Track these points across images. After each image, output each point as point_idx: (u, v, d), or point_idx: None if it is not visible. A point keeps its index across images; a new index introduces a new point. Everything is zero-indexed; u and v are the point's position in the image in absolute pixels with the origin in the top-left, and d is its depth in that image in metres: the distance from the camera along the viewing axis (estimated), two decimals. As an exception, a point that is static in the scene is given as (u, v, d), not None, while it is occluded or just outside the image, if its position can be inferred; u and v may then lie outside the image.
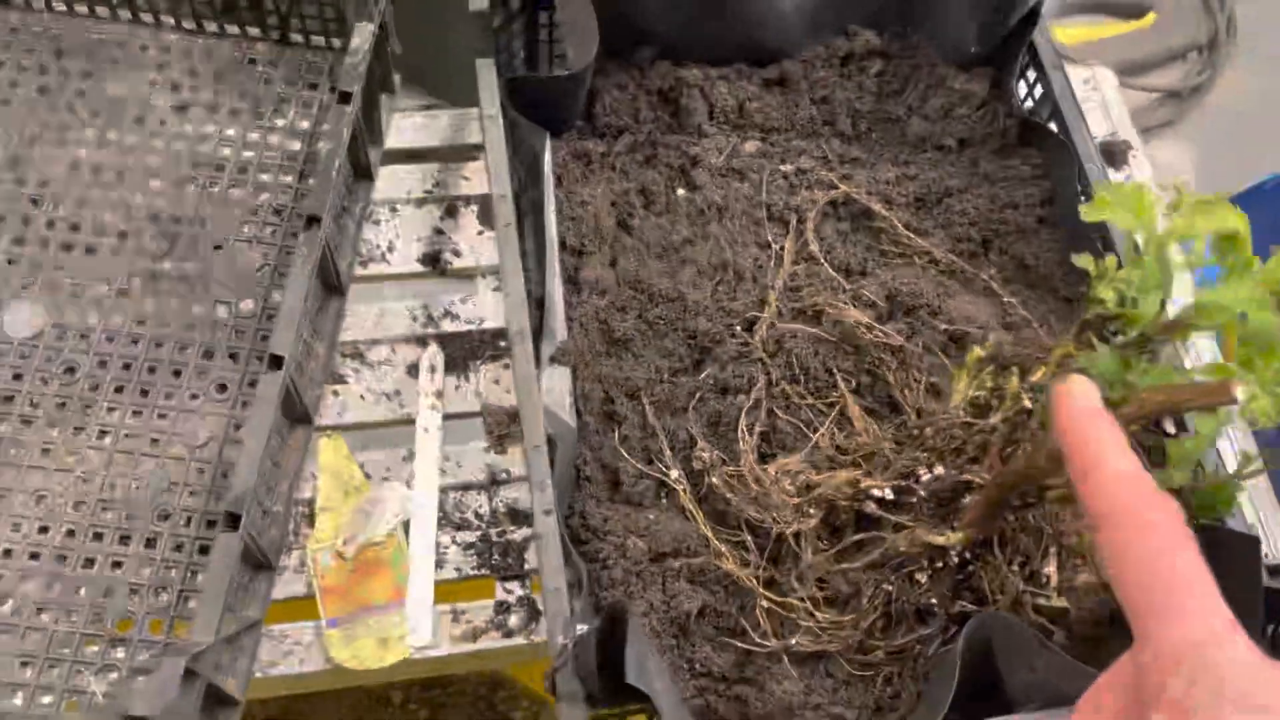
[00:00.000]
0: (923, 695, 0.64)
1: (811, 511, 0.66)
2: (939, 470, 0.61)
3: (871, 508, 0.63)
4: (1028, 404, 0.56)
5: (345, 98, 0.77)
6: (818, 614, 0.63)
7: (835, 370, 0.72)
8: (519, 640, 0.72)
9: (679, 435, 0.73)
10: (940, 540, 0.59)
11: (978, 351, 0.62)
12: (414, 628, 0.71)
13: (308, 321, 0.74)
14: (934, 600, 0.62)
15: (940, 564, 0.61)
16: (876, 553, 0.62)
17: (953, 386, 0.64)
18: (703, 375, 0.75)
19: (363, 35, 0.80)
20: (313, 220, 0.73)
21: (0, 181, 0.83)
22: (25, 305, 0.78)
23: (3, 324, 0.78)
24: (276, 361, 0.68)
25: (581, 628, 0.62)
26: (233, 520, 0.63)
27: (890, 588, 0.62)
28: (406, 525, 0.75)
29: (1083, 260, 0.57)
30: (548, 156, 0.79)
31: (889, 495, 0.63)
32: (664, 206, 0.84)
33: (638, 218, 0.83)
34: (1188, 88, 2.01)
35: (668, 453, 0.72)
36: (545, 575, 0.63)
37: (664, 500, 0.72)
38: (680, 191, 0.84)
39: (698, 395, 0.74)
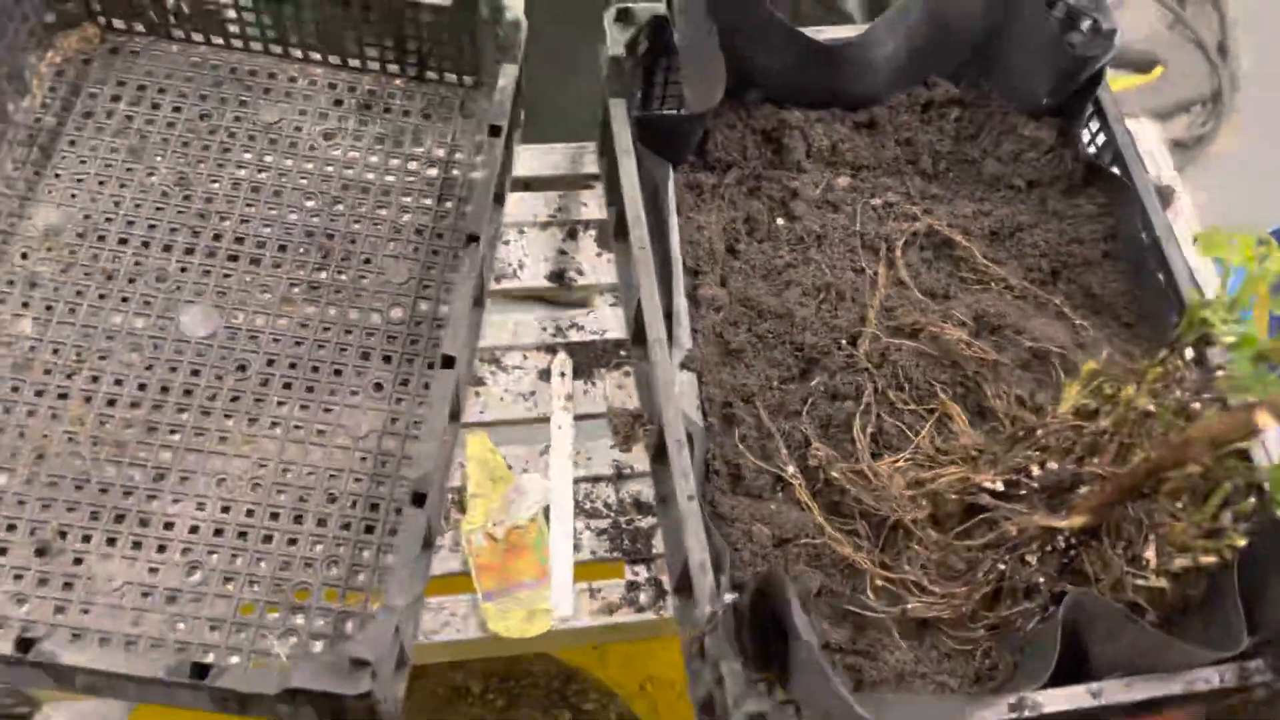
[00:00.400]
0: (1019, 666, 0.73)
1: (923, 503, 0.75)
2: (1052, 466, 0.71)
3: (985, 499, 0.72)
4: (1150, 408, 0.66)
5: (496, 131, 0.87)
6: (931, 587, 0.73)
7: (934, 381, 0.81)
8: (649, 615, 0.81)
9: (793, 436, 0.82)
10: (1061, 524, 0.68)
11: (1091, 364, 0.72)
12: (557, 603, 0.80)
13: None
14: (1040, 579, 0.71)
15: (1049, 547, 0.71)
16: (993, 534, 0.71)
17: (1064, 394, 0.73)
18: (813, 383, 0.84)
19: (508, 75, 0.90)
20: (472, 238, 0.82)
21: (170, 198, 0.92)
22: (199, 309, 0.87)
23: (181, 325, 0.86)
24: (449, 361, 0.77)
25: (729, 596, 0.71)
26: (419, 499, 0.72)
27: (1003, 566, 0.71)
28: (546, 512, 0.83)
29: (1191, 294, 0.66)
30: (671, 186, 0.89)
31: (999, 487, 0.72)
32: (766, 234, 0.94)
33: (743, 243, 0.93)
34: (1193, 137, 2.13)
35: (784, 451, 0.81)
36: (691, 553, 0.72)
37: (780, 493, 0.81)
38: (780, 221, 0.94)
39: (809, 400, 0.83)
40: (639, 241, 0.84)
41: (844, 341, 0.85)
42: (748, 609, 0.68)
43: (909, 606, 0.74)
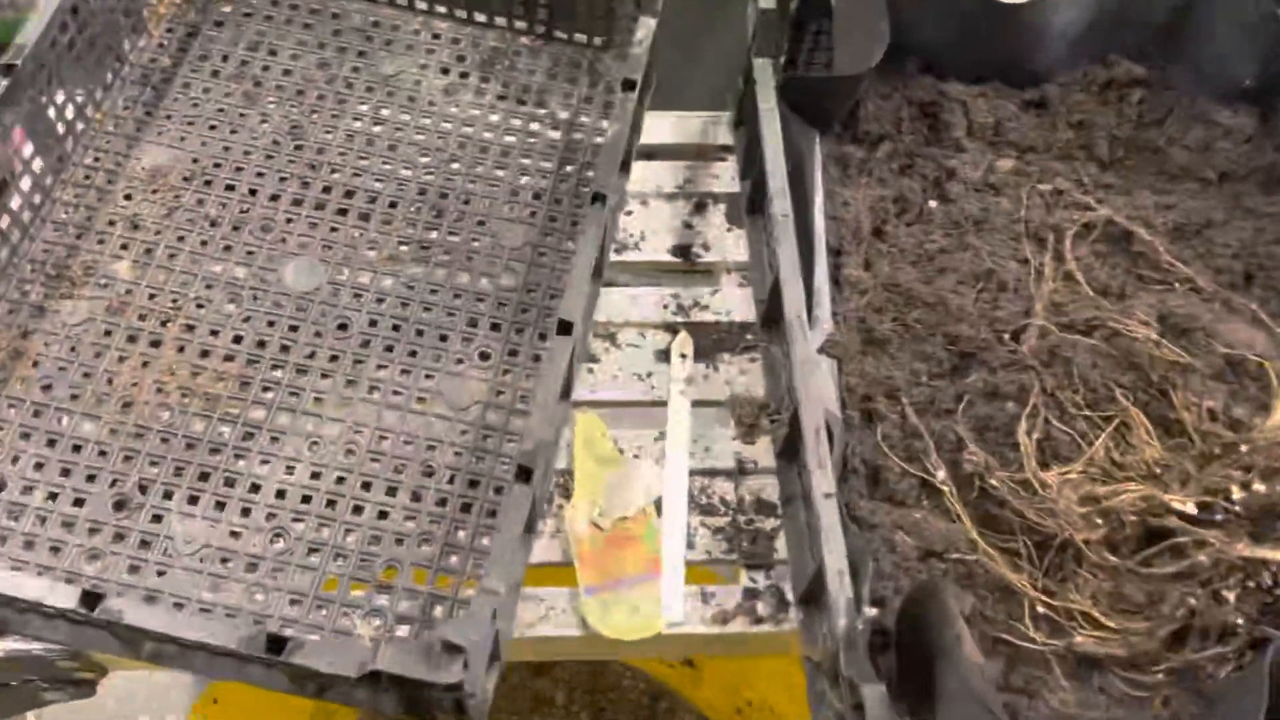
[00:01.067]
0: (1210, 720, 0.62)
1: (1098, 522, 0.65)
2: (1259, 488, 0.60)
3: (1174, 522, 0.62)
4: None
5: (630, 85, 0.80)
6: (1104, 619, 0.62)
7: (1114, 384, 0.71)
8: (767, 627, 0.72)
9: (945, 438, 0.73)
10: (1270, 555, 0.58)
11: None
12: (667, 605, 0.71)
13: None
14: (1239, 620, 0.60)
15: (1251, 583, 0.60)
16: (1182, 564, 0.60)
17: (1276, 406, 0.62)
18: (969, 379, 0.74)
19: (646, 29, 0.83)
20: (598, 198, 0.75)
21: (281, 147, 0.87)
22: (303, 262, 0.82)
23: (283, 278, 0.81)
24: (566, 327, 0.70)
25: (871, 611, 0.61)
26: (525, 474, 0.65)
27: (1194, 601, 0.60)
28: (658, 504, 0.75)
29: None
30: (817, 156, 0.80)
31: (1192, 510, 0.62)
32: (916, 216, 0.84)
33: (891, 224, 0.84)
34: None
35: (933, 454, 0.72)
36: (827, 557, 0.63)
37: (925, 501, 0.72)
38: (933, 203, 0.85)
39: (964, 399, 0.73)
40: (780, 209, 0.75)
41: (1006, 336, 0.75)
42: (895, 627, 0.59)
43: (1076, 640, 0.64)
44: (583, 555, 0.73)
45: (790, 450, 0.76)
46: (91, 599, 0.58)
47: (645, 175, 0.90)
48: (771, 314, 0.80)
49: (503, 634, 0.67)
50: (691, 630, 0.71)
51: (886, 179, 0.85)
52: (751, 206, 0.87)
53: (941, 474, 0.71)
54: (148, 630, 0.58)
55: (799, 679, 1.08)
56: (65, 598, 0.58)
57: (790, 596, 0.73)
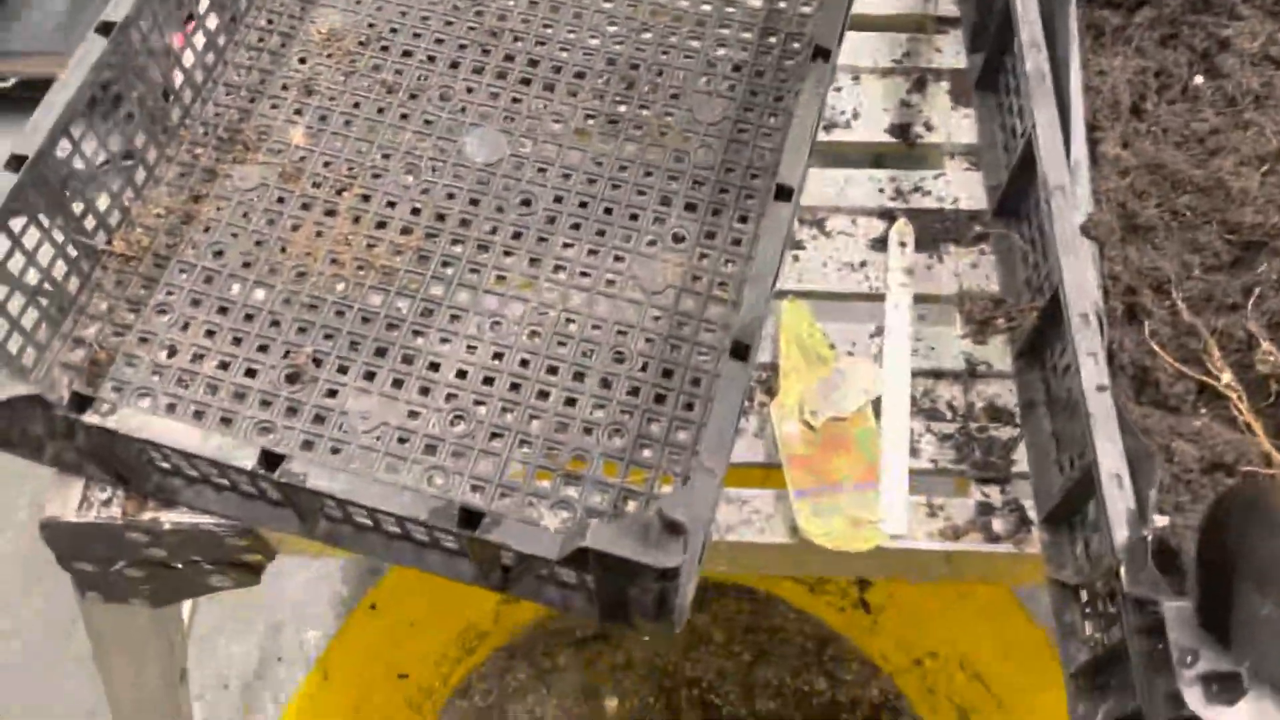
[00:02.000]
0: None
1: None
2: None
3: None
4: None
5: (854, -69, 0.70)
6: None
7: None
8: (1005, 547, 0.62)
9: (1229, 336, 0.61)
10: None
11: None
12: (889, 515, 0.62)
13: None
14: None
15: None
16: None
17: None
18: (1259, 270, 0.63)
19: None
20: (821, 52, 0.66)
21: (462, 12, 0.80)
22: (484, 133, 0.75)
23: (463, 149, 0.75)
24: (785, 192, 0.61)
25: (1160, 520, 0.51)
26: (741, 351, 0.56)
27: None
28: (876, 405, 0.66)
29: None
30: (1072, 14, 0.69)
31: None
32: (1179, 93, 0.72)
33: (1150, 101, 0.72)
34: None
35: (1215, 354, 0.61)
36: (1102, 460, 0.53)
37: (1203, 408, 0.61)
38: (1199, 79, 0.73)
39: (1255, 292, 0.62)
40: (1035, 65, 0.65)
41: (1305, 221, 0.64)
42: (1200, 537, 0.49)
43: None
44: (792, 457, 0.64)
45: (1034, 349, 0.66)
46: (272, 459, 0.53)
47: (858, 47, 0.81)
48: (1012, 196, 0.69)
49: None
50: (916, 545, 0.62)
51: (1146, 49, 0.73)
52: (983, 82, 0.76)
53: (1226, 377, 0.60)
54: (332, 495, 0.52)
55: (992, 629, 0.98)
56: (245, 457, 0.53)
57: (1033, 514, 0.63)
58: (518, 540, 0.51)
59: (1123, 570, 0.50)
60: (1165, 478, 0.57)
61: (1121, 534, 0.51)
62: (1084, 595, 0.58)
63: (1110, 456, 0.53)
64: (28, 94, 1.40)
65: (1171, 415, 0.60)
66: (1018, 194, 0.70)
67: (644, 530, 0.48)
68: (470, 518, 0.51)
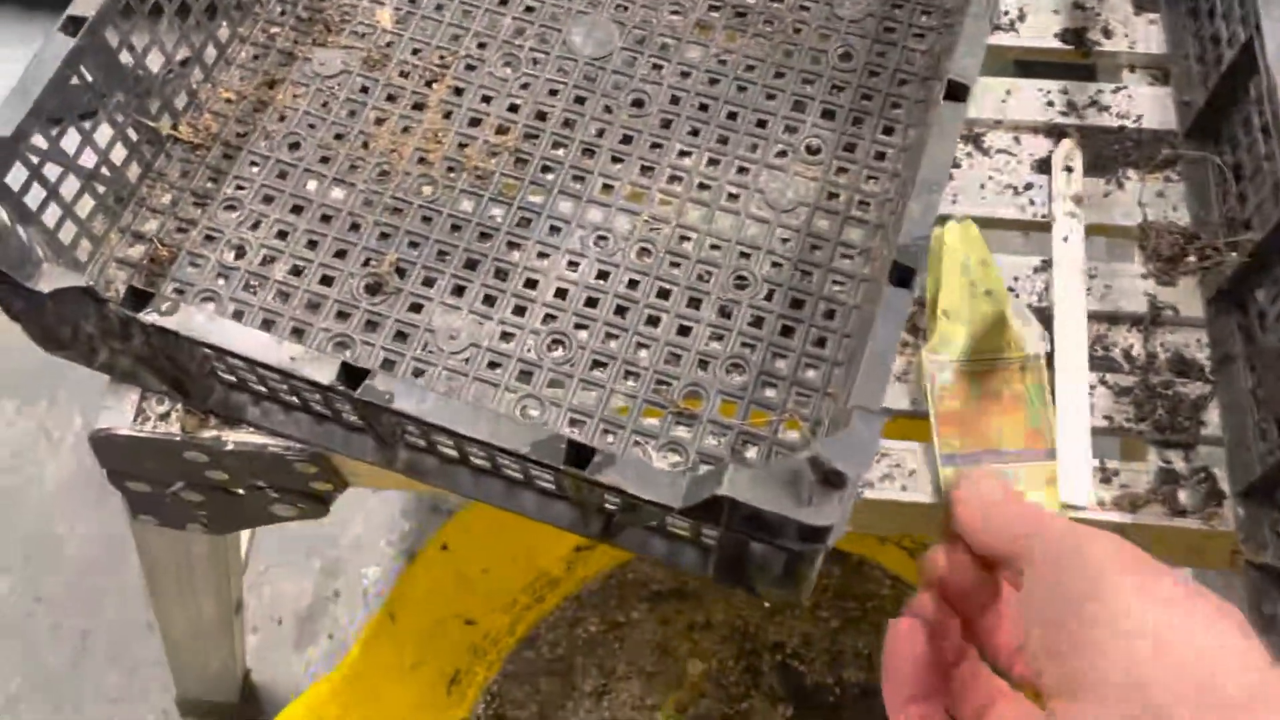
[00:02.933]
0: None
1: None
2: None
3: None
4: None
5: None
6: None
7: None
8: (1191, 523, 0.53)
9: None
10: None
11: None
12: (1067, 485, 0.53)
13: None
14: None
15: None
16: None
17: None
18: None
19: None
20: (1002, -70, 0.56)
21: (570, -111, 0.71)
22: (594, 22, 0.66)
23: (568, 40, 0.66)
24: (959, 91, 0.52)
25: None
26: (905, 276, 0.47)
27: None
28: (1049, 356, 0.57)
29: None
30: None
31: None
32: None
33: (1383, 9, 0.61)
34: None
35: None
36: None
37: None
38: None
39: None
40: (1263, -43, 0.54)
41: None
42: None
43: None
44: (943, 413, 0.55)
45: (1233, 293, 0.56)
46: (356, 374, 0.45)
47: (1024, -59, 0.70)
48: (1212, 114, 0.59)
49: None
50: (1088, 516, 0.53)
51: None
52: (1174, -20, 0.65)
53: None
54: (421, 419, 0.44)
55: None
56: (323, 370, 0.46)
57: (1225, 486, 0.54)
58: (635, 483, 0.43)
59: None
60: None
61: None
62: (1293, 584, 0.49)
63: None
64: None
65: None
66: (1219, 111, 0.59)
67: (794, 478, 0.40)
68: (580, 453, 0.44)
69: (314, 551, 1.15)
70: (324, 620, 1.14)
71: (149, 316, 0.46)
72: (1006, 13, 0.67)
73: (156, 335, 0.48)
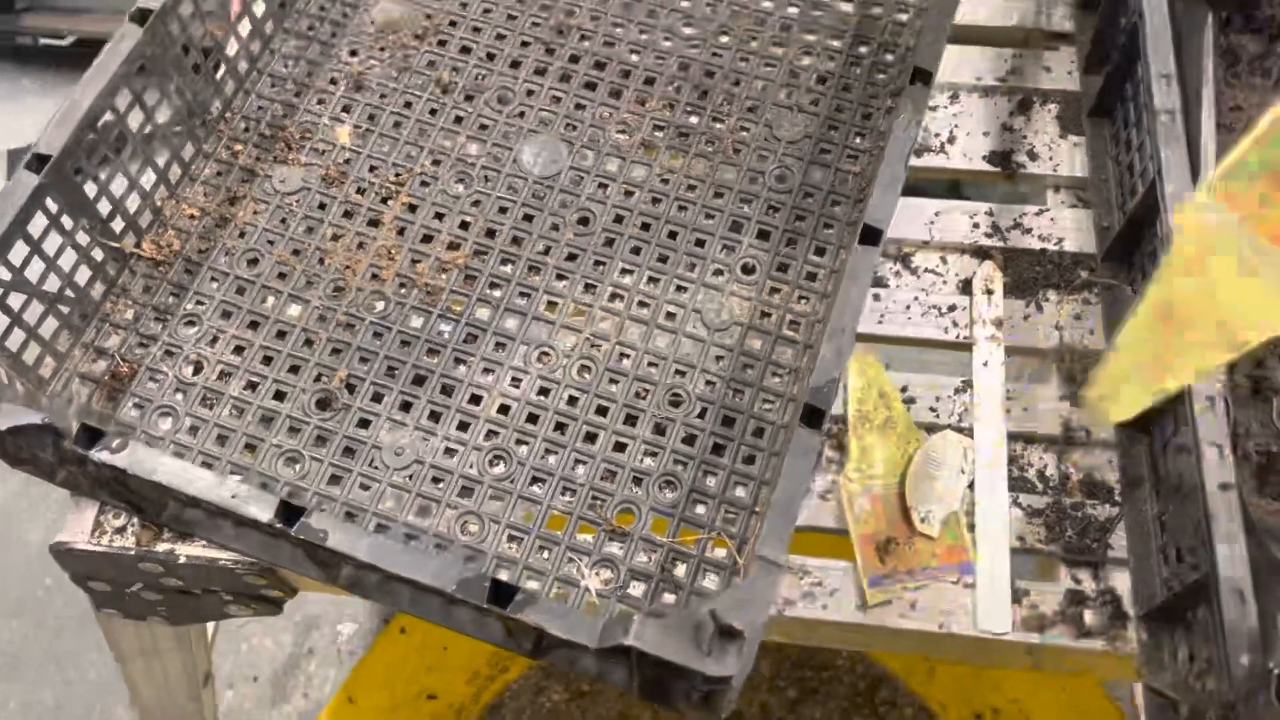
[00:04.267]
0: None
1: None
2: None
3: None
4: None
5: (966, -64, 0.63)
6: None
7: None
8: (1097, 644, 0.56)
9: (1374, 424, 0.54)
10: None
11: None
12: (985, 611, 0.56)
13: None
14: None
15: None
16: None
17: None
18: None
19: None
20: (920, 74, 0.59)
21: (526, 6, 0.74)
22: (543, 142, 0.69)
23: (519, 159, 0.69)
24: (872, 235, 0.55)
25: (1295, 653, 0.45)
26: (815, 417, 0.50)
27: None
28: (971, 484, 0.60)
29: None
30: (1208, 42, 0.61)
31: None
32: (1324, 133, 0.64)
33: (1290, 142, 0.64)
34: None
35: (1356, 444, 0.53)
36: (1222, 570, 0.47)
37: (1338, 506, 0.54)
38: (1348, 118, 0.65)
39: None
40: (1164, 104, 0.57)
41: None
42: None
43: None
44: (864, 536, 0.58)
45: (1143, 420, 0.59)
46: (291, 512, 0.48)
47: (957, 62, 0.73)
48: (1126, 241, 0.62)
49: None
50: (997, 635, 0.56)
51: (1289, 81, 0.65)
52: (1097, 108, 0.68)
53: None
54: (352, 557, 0.47)
55: (1063, 697, 0.91)
56: (262, 508, 0.48)
57: (1129, 608, 0.56)
58: (552, 623, 0.46)
59: (1241, 711, 0.44)
60: (1292, 590, 0.50)
61: (1241, 663, 0.45)
62: (1184, 711, 0.51)
63: (1231, 565, 0.47)
64: (85, 50, 1.38)
65: (1301, 512, 0.53)
66: (1132, 239, 0.62)
67: (695, 631, 0.43)
68: (502, 592, 0.46)
69: (292, 606, 1.18)
70: (299, 677, 1.16)
71: (100, 455, 0.49)
72: (938, 134, 0.70)
73: (109, 467, 0.51)
